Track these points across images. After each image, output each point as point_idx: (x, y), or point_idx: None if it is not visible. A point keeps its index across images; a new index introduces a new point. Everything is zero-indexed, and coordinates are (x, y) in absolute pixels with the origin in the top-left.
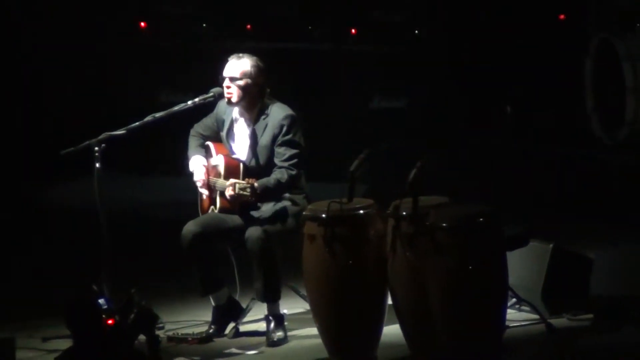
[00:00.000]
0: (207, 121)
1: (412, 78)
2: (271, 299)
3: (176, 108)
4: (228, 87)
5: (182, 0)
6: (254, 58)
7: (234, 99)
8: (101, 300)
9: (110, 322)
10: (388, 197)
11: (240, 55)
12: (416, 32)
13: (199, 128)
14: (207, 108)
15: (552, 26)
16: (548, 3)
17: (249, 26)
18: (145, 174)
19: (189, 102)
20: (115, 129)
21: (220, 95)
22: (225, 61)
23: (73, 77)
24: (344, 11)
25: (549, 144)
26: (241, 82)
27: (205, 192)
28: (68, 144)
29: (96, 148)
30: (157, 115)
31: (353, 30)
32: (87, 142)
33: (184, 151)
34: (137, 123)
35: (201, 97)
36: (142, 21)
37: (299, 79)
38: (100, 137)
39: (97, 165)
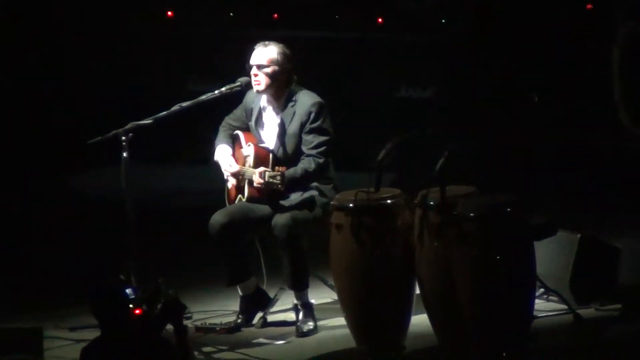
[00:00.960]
0: (237, 112)
1: (439, 67)
2: (299, 286)
3: (203, 97)
4: (255, 75)
5: None
6: (281, 45)
7: (262, 87)
8: (128, 290)
9: (137, 311)
10: (415, 186)
11: (267, 43)
12: (442, 20)
13: (229, 119)
14: (234, 97)
15: (579, 15)
16: None
17: (275, 15)
18: (173, 163)
19: (216, 92)
20: (143, 118)
21: (248, 85)
22: (251, 49)
23: (100, 66)
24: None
25: (576, 133)
26: (268, 70)
27: (232, 181)
28: (95, 133)
29: (123, 137)
30: (184, 104)
31: (379, 19)
32: (115, 132)
33: (211, 141)
34: (164, 112)
35: (228, 87)
36: (169, 10)
37: (326, 67)
38: (128, 126)
39: (125, 154)
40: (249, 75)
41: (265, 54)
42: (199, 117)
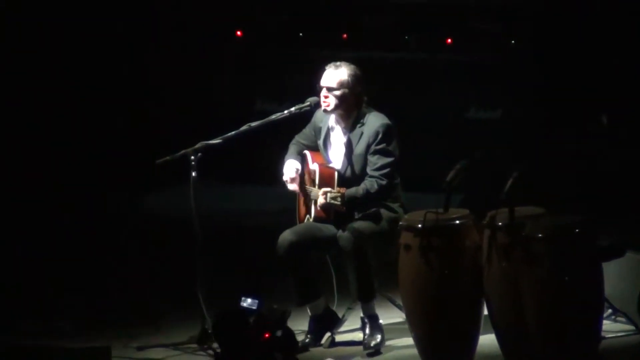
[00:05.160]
0: (306, 130)
1: (508, 88)
2: (365, 297)
3: (272, 117)
4: (325, 97)
5: (278, 9)
6: (352, 67)
7: (330, 108)
8: (253, 300)
9: (266, 335)
10: (484, 207)
11: (338, 64)
12: (512, 42)
13: (299, 137)
14: (304, 117)
15: None
16: None
17: (344, 35)
18: (241, 182)
19: (285, 112)
20: (212, 138)
21: (317, 105)
22: (323, 69)
23: (169, 86)
24: (440, 21)
25: None
26: (338, 92)
27: (294, 188)
28: (164, 152)
29: (192, 157)
30: (253, 124)
31: (448, 40)
32: (184, 151)
33: (280, 160)
34: (233, 132)
35: (297, 106)
36: (239, 30)
37: (395, 88)
38: (197, 146)
39: (193, 174)
40: (319, 95)
41: (335, 76)
42: (268, 137)
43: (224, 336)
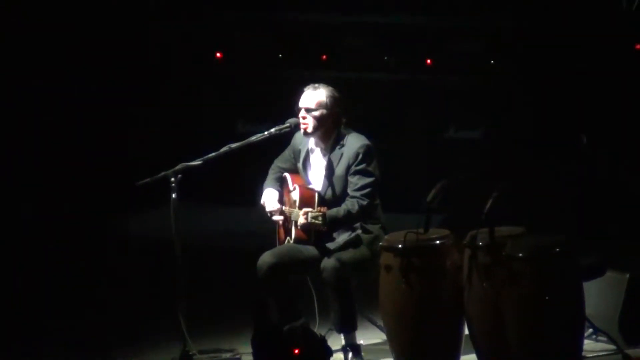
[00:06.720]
0: (285, 153)
1: (488, 108)
2: (348, 329)
3: (253, 138)
4: (304, 118)
5: (258, 30)
6: (330, 88)
7: (309, 129)
8: None
9: (296, 351)
10: (464, 227)
11: (316, 85)
12: (492, 62)
13: (278, 162)
14: (284, 138)
15: (628, 55)
16: (624, 32)
17: (324, 56)
18: (222, 204)
19: (266, 133)
20: (192, 160)
21: (297, 126)
22: (301, 91)
23: (149, 107)
24: (419, 41)
25: (625, 174)
26: (317, 113)
27: (278, 219)
28: (144, 174)
29: (172, 179)
30: (234, 145)
31: (428, 61)
32: (164, 173)
33: (260, 182)
34: (213, 153)
35: (277, 128)
36: (218, 52)
37: (374, 108)
38: (177, 167)
39: (173, 195)
40: (298, 117)
41: (314, 98)
42: (249, 158)
43: (262, 352)
